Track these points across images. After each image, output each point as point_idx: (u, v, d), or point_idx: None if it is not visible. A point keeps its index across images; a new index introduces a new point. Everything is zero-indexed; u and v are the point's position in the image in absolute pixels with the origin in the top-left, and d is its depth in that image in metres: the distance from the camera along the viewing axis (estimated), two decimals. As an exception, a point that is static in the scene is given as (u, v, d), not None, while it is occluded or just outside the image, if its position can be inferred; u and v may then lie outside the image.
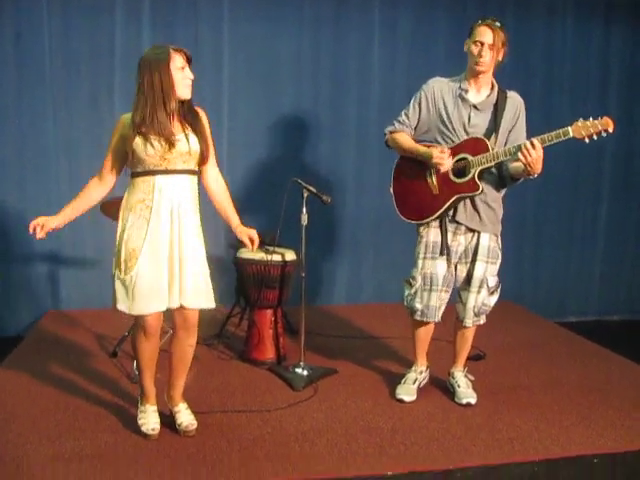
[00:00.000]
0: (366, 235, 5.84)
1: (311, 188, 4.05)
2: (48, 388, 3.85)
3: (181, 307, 3.15)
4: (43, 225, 3.13)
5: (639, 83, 6.18)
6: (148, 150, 3.01)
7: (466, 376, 3.93)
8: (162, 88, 2.98)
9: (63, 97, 5.27)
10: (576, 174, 6.16)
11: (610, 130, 3.26)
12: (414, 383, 3.90)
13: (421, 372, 3.97)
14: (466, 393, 3.81)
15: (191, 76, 3.09)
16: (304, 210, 4.06)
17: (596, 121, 3.28)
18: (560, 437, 3.41)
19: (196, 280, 3.15)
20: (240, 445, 3.22)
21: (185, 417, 3.34)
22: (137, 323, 3.19)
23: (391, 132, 3.82)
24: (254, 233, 3.35)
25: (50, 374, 4.06)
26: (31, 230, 3.12)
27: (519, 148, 3.36)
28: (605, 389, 4.10)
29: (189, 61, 3.10)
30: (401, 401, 3.79)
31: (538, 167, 3.36)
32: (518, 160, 3.39)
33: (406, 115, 3.76)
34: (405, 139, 3.75)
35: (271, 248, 4.25)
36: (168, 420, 3.39)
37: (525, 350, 4.85)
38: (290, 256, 4.36)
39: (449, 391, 3.92)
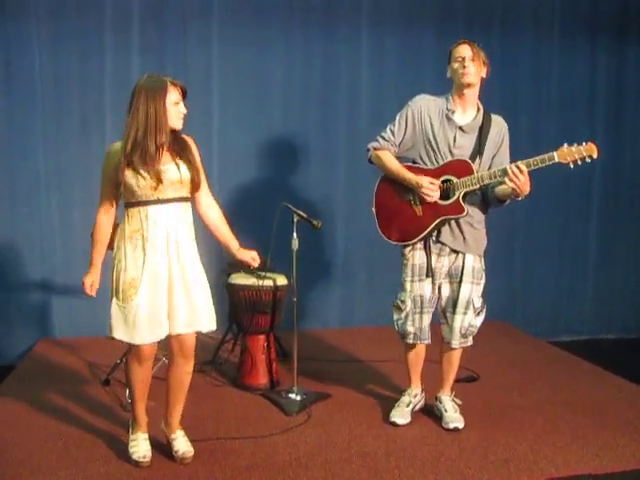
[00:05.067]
0: (358, 258, 5.84)
1: (301, 213, 4.06)
2: (40, 417, 3.82)
3: (178, 334, 3.16)
4: (92, 284, 3.22)
5: (626, 101, 6.25)
6: (140, 182, 3.03)
7: (453, 400, 3.89)
8: (156, 119, 3.00)
9: (54, 125, 5.29)
10: (566, 192, 6.19)
11: (594, 156, 3.32)
12: (408, 406, 3.87)
13: (415, 395, 3.94)
14: (453, 418, 3.77)
15: (184, 111, 3.12)
16: (294, 235, 4.06)
17: (581, 147, 3.33)
18: (555, 458, 3.40)
19: (202, 303, 3.19)
20: (233, 472, 3.19)
21: (182, 445, 3.31)
22: (132, 350, 3.19)
23: (375, 148, 3.79)
24: (255, 254, 3.46)
25: (42, 403, 4.03)
26: (90, 293, 3.22)
27: (505, 172, 3.39)
28: (600, 409, 4.09)
29: (184, 95, 3.13)
30: (394, 424, 3.76)
31: (526, 189, 3.39)
32: (504, 183, 3.42)
33: (391, 131, 3.73)
34: (390, 160, 3.73)
35: (262, 273, 4.26)
36: (162, 448, 3.37)
37: (518, 370, 4.85)
38: (281, 281, 4.36)
39: (436, 416, 3.89)
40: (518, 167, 3.34)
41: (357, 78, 5.80)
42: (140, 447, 3.27)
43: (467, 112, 3.65)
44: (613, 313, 6.37)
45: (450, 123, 3.63)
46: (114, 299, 3.12)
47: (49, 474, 3.14)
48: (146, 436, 3.33)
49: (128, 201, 3.13)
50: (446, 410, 3.81)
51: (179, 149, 3.16)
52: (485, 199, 3.68)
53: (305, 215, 4.07)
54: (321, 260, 5.85)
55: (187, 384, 3.33)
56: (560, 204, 6.22)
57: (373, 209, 3.83)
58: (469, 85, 3.58)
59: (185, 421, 3.42)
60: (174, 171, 3.11)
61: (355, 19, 5.74)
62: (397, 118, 3.75)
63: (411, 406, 3.88)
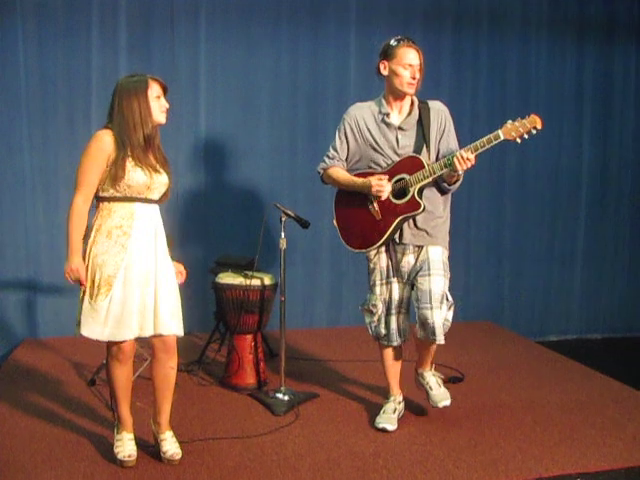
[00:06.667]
0: (345, 258, 5.82)
1: (290, 212, 4.04)
2: (25, 417, 3.78)
3: (159, 334, 3.13)
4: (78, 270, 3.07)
5: (612, 102, 6.29)
6: (140, 177, 3.04)
7: (434, 375, 3.87)
8: (140, 113, 3.04)
9: (39, 124, 5.26)
10: (554, 193, 6.24)
11: (539, 127, 3.29)
12: (394, 413, 3.81)
13: (399, 402, 3.89)
14: (440, 395, 3.76)
15: (167, 105, 3.16)
16: (282, 234, 4.04)
17: (524, 120, 3.31)
18: (543, 457, 3.39)
19: (171, 307, 3.16)
20: (221, 473, 3.17)
21: (170, 445, 3.29)
22: (111, 350, 3.16)
23: (324, 169, 3.78)
24: (182, 268, 3.37)
25: (27, 403, 3.99)
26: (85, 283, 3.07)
27: (452, 160, 3.37)
28: (587, 408, 4.10)
29: (165, 91, 3.17)
30: (384, 430, 3.69)
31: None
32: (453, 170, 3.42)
33: (334, 149, 3.72)
34: (340, 173, 3.71)
35: (250, 273, 4.24)
36: (150, 449, 3.35)
37: (506, 370, 4.84)
38: (269, 280, 4.35)
39: (421, 390, 3.88)
40: (466, 154, 3.34)
41: (345, 77, 5.79)
42: (125, 447, 3.24)
43: (402, 110, 3.63)
44: (600, 313, 6.41)
45: (389, 126, 3.60)
46: (85, 296, 3.08)
47: (34, 475, 3.11)
48: (131, 436, 3.30)
49: (112, 195, 3.08)
50: (431, 388, 3.80)
51: (163, 161, 3.20)
52: (439, 188, 3.63)
53: (294, 214, 4.05)
54: (309, 260, 5.84)
55: (173, 380, 3.30)
56: (548, 205, 6.25)
57: (334, 222, 3.81)
58: (411, 94, 3.57)
59: (172, 421, 3.39)
60: (164, 174, 3.16)
61: (343, 18, 5.73)
62: (336, 134, 3.73)
63: (397, 413, 3.83)
